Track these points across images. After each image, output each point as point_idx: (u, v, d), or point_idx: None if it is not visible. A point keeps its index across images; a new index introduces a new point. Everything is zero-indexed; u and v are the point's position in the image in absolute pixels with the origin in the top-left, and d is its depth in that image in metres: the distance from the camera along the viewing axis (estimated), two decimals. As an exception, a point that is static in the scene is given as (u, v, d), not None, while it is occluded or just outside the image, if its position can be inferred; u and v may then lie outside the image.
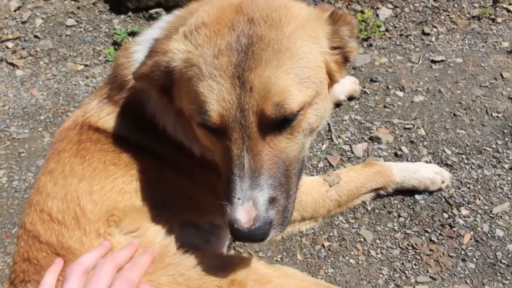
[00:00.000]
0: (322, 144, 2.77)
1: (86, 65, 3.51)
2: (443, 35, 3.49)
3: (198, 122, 1.50)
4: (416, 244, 2.24)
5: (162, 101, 1.72)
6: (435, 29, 3.55)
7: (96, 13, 3.88)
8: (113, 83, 1.95)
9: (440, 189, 2.44)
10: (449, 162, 2.57)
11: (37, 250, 1.66)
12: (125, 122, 1.87)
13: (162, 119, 1.81)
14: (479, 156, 2.60)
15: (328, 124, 2.86)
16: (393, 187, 2.40)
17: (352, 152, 2.70)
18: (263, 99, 1.39)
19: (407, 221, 2.34)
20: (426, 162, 2.57)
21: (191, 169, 1.87)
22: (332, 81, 1.62)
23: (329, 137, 2.81)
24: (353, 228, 2.34)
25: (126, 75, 1.87)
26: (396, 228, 2.32)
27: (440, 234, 2.27)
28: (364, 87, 3.10)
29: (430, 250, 2.22)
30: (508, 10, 3.60)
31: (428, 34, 3.50)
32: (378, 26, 3.56)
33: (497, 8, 3.64)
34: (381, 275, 2.15)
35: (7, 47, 3.63)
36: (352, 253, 2.24)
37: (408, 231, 2.29)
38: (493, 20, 3.56)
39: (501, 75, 3.09)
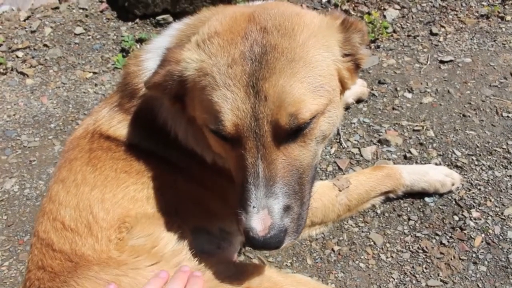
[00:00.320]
0: (331, 147, 2.77)
1: (95, 73, 3.54)
2: (451, 34, 3.47)
3: (212, 131, 1.51)
4: (426, 248, 2.23)
5: (174, 109, 1.73)
6: (443, 29, 3.53)
7: (104, 20, 3.92)
8: (124, 91, 1.97)
9: (450, 192, 2.43)
10: (459, 164, 2.56)
11: (51, 258, 1.69)
12: (136, 130, 1.89)
13: (173, 127, 1.83)
14: (489, 157, 2.59)
15: (337, 127, 2.86)
16: (402, 190, 2.39)
17: (361, 155, 2.70)
18: (277, 109, 1.40)
19: (417, 224, 2.33)
20: (436, 164, 2.56)
21: (202, 176, 1.88)
22: (344, 88, 1.63)
23: (338, 140, 2.81)
24: (362, 232, 2.33)
25: (137, 83, 1.89)
26: (406, 231, 2.31)
27: (450, 237, 2.26)
28: (372, 89, 3.10)
29: (441, 253, 2.21)
30: (517, 8, 3.58)
31: (436, 34, 3.48)
32: (386, 28, 3.55)
33: (506, 6, 3.62)
34: (391, 279, 2.15)
35: (17, 57, 3.68)
36: (362, 257, 2.24)
37: (418, 234, 2.28)
38: (502, 18, 3.54)
39: (511, 74, 3.07)
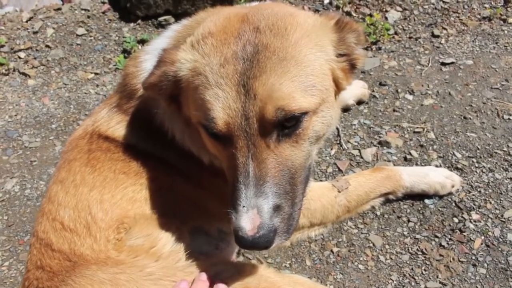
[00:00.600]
0: (331, 149, 2.77)
1: (96, 74, 3.55)
2: (453, 37, 3.47)
3: (205, 130, 1.52)
4: (426, 249, 2.22)
5: (171, 110, 1.74)
6: (444, 31, 3.53)
7: (106, 21, 3.93)
8: (123, 92, 1.98)
9: (450, 194, 2.42)
10: (459, 166, 2.55)
11: (50, 258, 1.69)
12: (134, 131, 1.89)
13: (171, 128, 1.83)
14: (490, 159, 2.58)
15: (337, 129, 2.86)
16: (402, 191, 2.38)
17: (361, 157, 2.69)
18: (265, 105, 1.40)
19: (416, 226, 2.32)
20: (436, 166, 2.55)
21: (200, 177, 1.88)
22: (338, 88, 1.63)
23: (338, 142, 2.80)
24: (362, 233, 2.33)
25: (135, 84, 1.90)
26: (405, 233, 2.31)
27: (450, 239, 2.25)
28: (373, 91, 3.09)
29: (440, 255, 2.20)
30: (519, 11, 3.57)
31: (437, 36, 3.48)
32: (387, 29, 3.55)
33: (508, 8, 3.61)
34: (390, 281, 2.14)
35: (19, 57, 3.70)
36: (361, 258, 2.23)
37: (417, 236, 2.28)
38: (505, 20, 3.53)
39: (513, 76, 3.06)
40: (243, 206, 1.43)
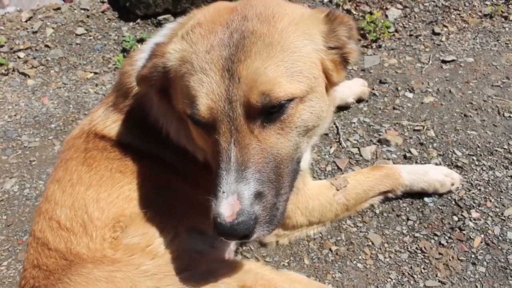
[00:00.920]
0: (330, 147, 2.75)
1: (95, 73, 3.55)
2: (454, 34, 3.45)
3: (189, 117, 1.50)
4: (425, 248, 2.21)
5: (163, 104, 1.74)
6: (445, 29, 3.50)
7: (105, 21, 3.93)
8: (119, 91, 1.98)
9: (450, 192, 2.40)
10: (459, 164, 2.53)
11: (46, 256, 1.70)
12: (130, 129, 1.90)
13: (165, 125, 1.83)
14: (490, 157, 2.56)
15: (337, 127, 2.85)
16: (401, 190, 2.37)
17: (361, 155, 2.68)
18: (250, 89, 1.39)
19: (416, 224, 2.31)
20: (436, 164, 2.53)
21: (196, 175, 1.88)
22: (329, 81, 1.62)
23: (337, 140, 2.79)
24: (361, 232, 2.31)
25: (130, 83, 1.90)
26: (404, 231, 2.29)
27: (449, 238, 2.23)
28: (373, 89, 3.08)
29: (440, 253, 2.18)
30: (521, 8, 3.55)
31: (438, 34, 3.46)
32: (387, 27, 3.53)
33: (510, 6, 3.58)
34: (389, 280, 2.13)
35: (18, 57, 3.70)
36: (360, 257, 2.22)
37: (417, 235, 2.26)
38: (506, 18, 3.51)
39: (514, 74, 3.04)
40: (223, 192, 1.40)
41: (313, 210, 2.20)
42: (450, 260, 2.16)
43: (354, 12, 3.68)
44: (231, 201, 1.38)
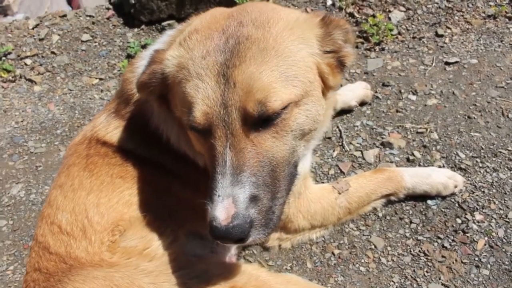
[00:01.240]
0: (333, 151, 2.75)
1: (101, 79, 3.59)
2: (457, 36, 3.43)
3: (186, 123, 1.52)
4: (428, 251, 2.20)
5: (162, 110, 1.75)
6: (449, 30, 3.49)
7: (110, 27, 3.97)
8: (120, 97, 2.00)
9: (453, 194, 2.39)
10: (463, 166, 2.52)
11: (47, 260, 1.72)
12: (131, 135, 1.92)
13: (165, 131, 1.85)
14: (494, 159, 2.54)
15: (340, 130, 2.85)
16: (404, 192, 2.36)
17: (364, 158, 2.68)
18: (245, 95, 1.40)
19: (419, 227, 2.30)
20: (439, 166, 2.52)
21: (196, 180, 1.89)
22: (326, 85, 1.62)
23: (340, 143, 2.79)
24: (363, 235, 2.31)
25: (131, 90, 1.92)
26: (407, 234, 2.28)
27: (453, 240, 2.22)
28: (376, 91, 3.07)
29: (443, 256, 2.17)
30: (525, 8, 3.52)
31: (441, 36, 3.44)
32: (390, 30, 3.53)
33: (514, 6, 3.56)
34: (392, 283, 2.12)
35: (25, 64, 3.76)
36: (363, 260, 2.22)
37: (420, 238, 2.25)
38: (510, 18, 3.48)
39: (518, 75, 3.02)
40: (219, 195, 1.41)
41: (315, 214, 2.20)
42: (453, 263, 2.15)
43: (357, 15, 3.68)
44: (226, 205, 1.39)
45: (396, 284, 2.12)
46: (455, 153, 2.60)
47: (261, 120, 1.45)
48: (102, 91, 3.50)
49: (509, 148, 2.58)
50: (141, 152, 1.89)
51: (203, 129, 1.49)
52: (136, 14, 3.91)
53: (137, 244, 1.70)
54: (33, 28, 4.02)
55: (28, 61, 3.77)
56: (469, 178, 2.47)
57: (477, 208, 2.33)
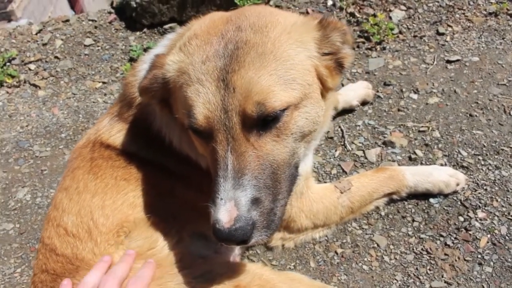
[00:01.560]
0: (335, 150, 2.77)
1: (104, 83, 3.62)
2: (459, 34, 3.44)
3: (188, 127, 1.55)
4: (430, 249, 2.21)
5: (165, 114, 1.78)
6: (450, 29, 3.49)
7: (112, 31, 4.00)
8: (123, 101, 2.03)
9: (455, 192, 2.40)
10: (465, 164, 2.52)
11: (54, 262, 1.75)
12: (134, 138, 1.94)
13: (168, 134, 1.87)
14: (496, 156, 2.55)
15: (342, 130, 2.86)
16: (406, 191, 2.37)
17: (366, 158, 2.69)
18: (245, 99, 1.43)
19: (421, 226, 2.31)
20: (441, 165, 2.53)
21: (199, 181, 1.91)
22: (324, 87, 1.64)
23: (342, 143, 2.80)
24: (366, 234, 2.32)
25: (133, 93, 1.95)
26: (410, 233, 2.29)
27: (455, 238, 2.23)
28: (378, 91, 3.08)
29: (445, 254, 2.18)
30: (527, 4, 3.52)
31: (442, 34, 3.45)
32: (391, 29, 3.53)
33: (515, 3, 3.56)
34: (394, 281, 2.13)
35: (29, 69, 3.80)
36: (366, 259, 2.23)
37: (422, 236, 2.26)
38: (511, 15, 3.48)
39: (520, 72, 3.02)
40: (221, 199, 1.44)
41: (318, 213, 2.22)
42: (456, 260, 2.16)
43: (358, 15, 3.69)
44: (229, 208, 1.42)
45: (399, 282, 2.13)
46: (457, 151, 2.61)
47: (260, 122, 1.47)
48: (105, 94, 3.53)
49: (511, 146, 2.58)
50: (144, 154, 1.92)
51: (204, 132, 1.51)
52: (138, 18, 3.94)
53: (142, 244, 1.73)
54: (36, 34, 4.06)
55: (32, 66, 3.81)
56: (471, 176, 2.47)
57: (479, 206, 2.33)
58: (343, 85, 3.08)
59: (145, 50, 3.73)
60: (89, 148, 2.00)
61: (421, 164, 2.59)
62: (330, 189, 2.27)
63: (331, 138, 2.84)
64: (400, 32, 3.55)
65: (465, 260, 2.15)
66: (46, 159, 3.10)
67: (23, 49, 3.94)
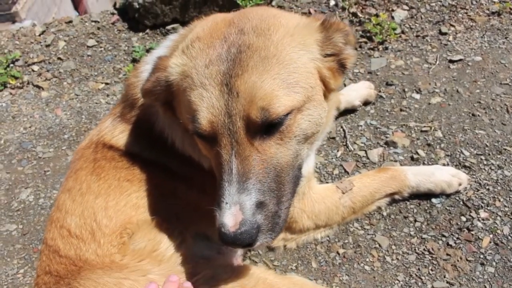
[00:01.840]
0: (337, 151, 2.77)
1: (106, 84, 3.64)
2: (461, 33, 3.43)
3: (192, 132, 1.55)
4: (432, 249, 2.21)
5: (168, 116, 1.78)
6: (452, 28, 3.49)
7: (115, 32, 4.02)
8: (125, 101, 2.04)
9: (457, 192, 2.39)
10: (467, 164, 2.52)
11: (57, 263, 1.76)
12: (136, 139, 1.95)
13: (170, 135, 1.88)
14: (499, 156, 2.54)
15: (344, 130, 2.86)
16: (408, 191, 2.37)
17: (368, 158, 2.69)
18: (248, 104, 1.43)
19: (423, 226, 2.30)
20: (444, 165, 2.53)
21: (202, 182, 1.92)
22: (327, 88, 1.64)
23: (344, 143, 2.80)
24: (368, 234, 2.32)
25: (136, 94, 1.95)
26: (412, 233, 2.29)
27: (457, 238, 2.23)
28: (380, 91, 3.08)
29: (447, 254, 2.18)
30: (530, 4, 3.51)
31: (445, 34, 3.44)
32: (394, 29, 3.53)
33: (518, 2, 3.55)
34: (396, 281, 2.13)
35: (33, 70, 3.82)
36: (367, 259, 2.23)
37: (424, 236, 2.26)
38: (514, 15, 3.48)
39: (523, 71, 3.01)
40: (226, 203, 1.45)
41: (319, 214, 2.22)
42: (458, 261, 2.16)
43: (360, 15, 3.69)
44: (234, 212, 1.43)
45: (401, 282, 2.13)
46: (460, 151, 2.60)
47: (264, 127, 1.47)
48: (108, 95, 3.54)
49: (514, 145, 2.58)
50: (147, 155, 1.92)
51: (208, 136, 1.52)
52: (140, 19, 3.95)
53: (146, 246, 1.73)
54: (39, 35, 4.08)
55: (35, 68, 3.82)
56: (474, 176, 2.47)
57: (482, 206, 2.33)
58: (345, 85, 3.08)
59: (148, 51, 3.74)
60: (91, 149, 2.00)
61: (423, 164, 2.58)
62: (332, 190, 2.27)
63: (333, 138, 2.84)
64: (403, 32, 3.55)
65: (467, 260, 2.15)
66: (49, 160, 3.11)
67: (26, 50, 3.96)
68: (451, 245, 2.21)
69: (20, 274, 2.50)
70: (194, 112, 1.49)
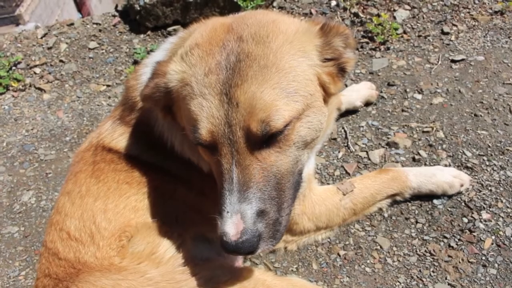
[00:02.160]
0: (339, 152, 2.76)
1: (108, 85, 3.64)
2: (464, 33, 3.41)
3: (192, 140, 1.55)
4: (434, 251, 2.19)
5: (167, 120, 1.78)
6: (455, 28, 3.47)
7: (116, 34, 4.03)
8: (125, 104, 2.04)
9: (459, 193, 2.38)
10: (469, 165, 2.50)
11: (56, 266, 1.76)
12: (136, 142, 1.95)
13: (169, 138, 1.87)
14: (501, 157, 2.52)
15: (345, 131, 2.85)
16: (409, 192, 2.35)
17: (369, 159, 2.68)
18: (249, 115, 1.43)
19: (425, 227, 2.29)
20: (445, 165, 2.51)
21: (201, 184, 1.92)
22: (327, 93, 1.63)
23: (345, 144, 2.79)
24: (369, 236, 2.31)
25: (135, 97, 1.95)
26: (413, 234, 2.28)
27: (459, 240, 2.21)
28: (381, 91, 3.07)
29: (449, 256, 2.16)
30: (533, 3, 3.49)
31: (447, 34, 3.43)
32: (395, 29, 3.52)
33: (521, 2, 3.53)
34: (397, 283, 2.12)
35: (35, 73, 3.83)
36: (368, 261, 2.22)
37: (426, 237, 2.25)
38: (517, 14, 3.46)
39: (525, 71, 2.99)
40: (227, 212, 1.46)
41: (320, 215, 2.21)
42: (460, 262, 2.14)
43: (362, 15, 3.68)
44: (235, 221, 1.44)
45: (402, 284, 2.11)
46: (462, 151, 2.59)
47: (264, 139, 1.48)
48: (109, 97, 3.55)
49: (516, 146, 2.56)
50: (146, 158, 1.92)
51: (209, 145, 1.52)
52: (141, 21, 3.95)
53: (145, 249, 1.73)
54: (41, 38, 4.09)
55: (37, 70, 3.84)
56: (476, 177, 2.45)
57: (484, 207, 2.31)
58: (346, 86, 3.06)
59: (149, 52, 3.74)
60: (91, 151, 2.00)
61: (425, 165, 2.57)
62: (333, 191, 2.26)
63: (334, 139, 2.83)
64: (404, 32, 3.53)
65: (469, 262, 2.14)
66: (50, 162, 3.12)
67: (28, 53, 3.97)
68: (452, 247, 2.19)
69: (22, 276, 2.50)
70: (194, 121, 1.49)
